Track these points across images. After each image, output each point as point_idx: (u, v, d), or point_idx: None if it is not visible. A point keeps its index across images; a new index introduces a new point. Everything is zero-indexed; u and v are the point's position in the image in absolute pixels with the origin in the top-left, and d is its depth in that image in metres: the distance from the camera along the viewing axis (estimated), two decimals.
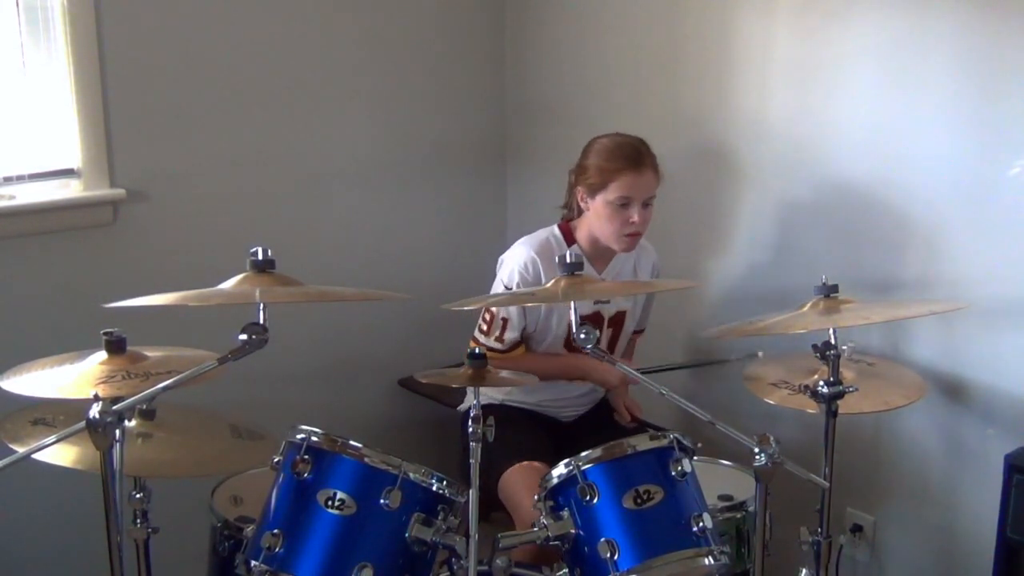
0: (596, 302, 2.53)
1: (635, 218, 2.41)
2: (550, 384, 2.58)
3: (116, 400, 1.59)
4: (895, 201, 2.46)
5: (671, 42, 2.86)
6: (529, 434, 2.53)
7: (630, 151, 2.43)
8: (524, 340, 2.56)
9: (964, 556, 2.49)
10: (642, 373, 2.42)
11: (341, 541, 1.74)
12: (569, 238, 2.54)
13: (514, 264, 2.48)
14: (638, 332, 2.78)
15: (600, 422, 2.69)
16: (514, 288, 2.45)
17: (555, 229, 2.56)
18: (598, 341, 1.79)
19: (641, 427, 2.66)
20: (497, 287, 2.52)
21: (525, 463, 2.35)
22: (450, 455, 2.62)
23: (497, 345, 2.51)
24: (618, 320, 2.60)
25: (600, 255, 2.55)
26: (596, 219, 2.47)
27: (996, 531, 2.19)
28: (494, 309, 2.52)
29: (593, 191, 2.45)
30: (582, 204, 2.50)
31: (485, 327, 2.52)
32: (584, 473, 1.83)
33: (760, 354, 2.47)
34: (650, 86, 2.94)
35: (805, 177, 2.63)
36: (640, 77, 2.96)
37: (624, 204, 2.41)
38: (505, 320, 2.49)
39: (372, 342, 3.15)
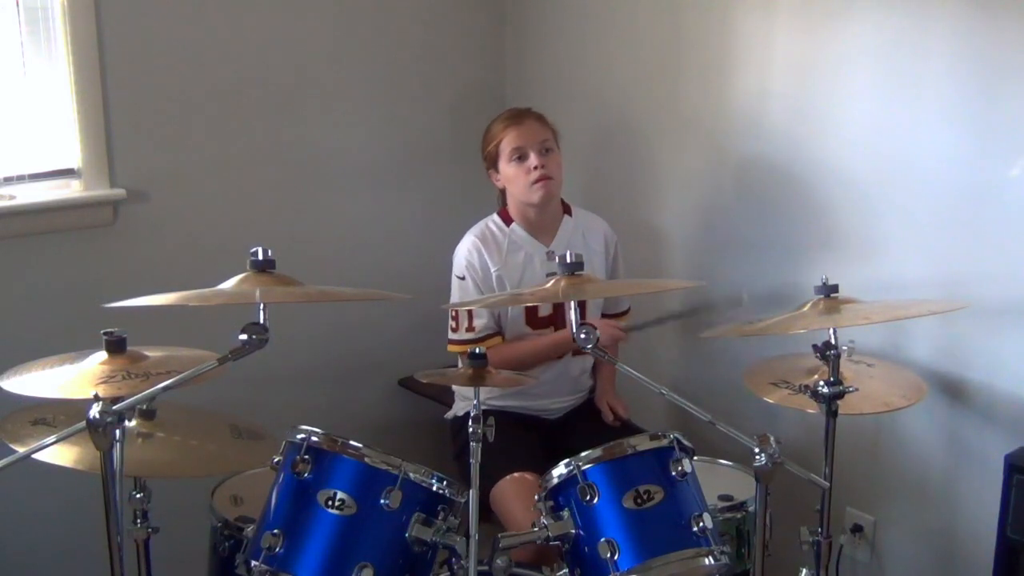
0: (549, 274, 2.49)
1: (535, 162, 2.53)
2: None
3: (116, 400, 1.59)
4: (895, 201, 2.46)
5: (671, 42, 2.86)
6: (517, 441, 2.51)
7: (508, 112, 2.65)
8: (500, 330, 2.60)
9: (964, 556, 2.48)
10: (629, 330, 2.62)
11: (341, 541, 1.74)
12: (506, 219, 2.65)
13: (461, 254, 2.61)
14: (620, 314, 2.79)
15: (587, 419, 2.71)
16: (465, 275, 2.58)
17: (494, 215, 2.68)
18: (598, 340, 1.79)
19: (626, 426, 2.67)
20: (453, 281, 2.62)
21: (514, 475, 2.36)
22: (450, 455, 2.62)
23: (470, 335, 2.55)
24: None
25: (541, 228, 2.64)
26: (510, 185, 2.60)
27: (996, 531, 2.19)
28: None
29: (495, 161, 2.62)
30: (498, 184, 2.66)
31: (454, 324, 2.59)
32: (584, 473, 1.83)
33: (745, 296, 2.52)
34: (650, 86, 2.94)
35: (805, 177, 2.63)
36: (640, 77, 2.96)
37: (520, 156, 2.56)
38: (469, 311, 2.56)
39: (372, 342, 3.15)
